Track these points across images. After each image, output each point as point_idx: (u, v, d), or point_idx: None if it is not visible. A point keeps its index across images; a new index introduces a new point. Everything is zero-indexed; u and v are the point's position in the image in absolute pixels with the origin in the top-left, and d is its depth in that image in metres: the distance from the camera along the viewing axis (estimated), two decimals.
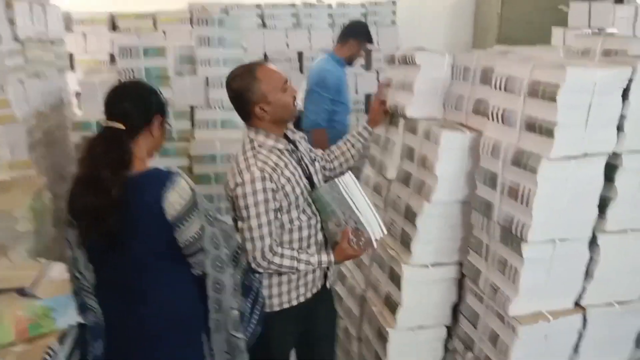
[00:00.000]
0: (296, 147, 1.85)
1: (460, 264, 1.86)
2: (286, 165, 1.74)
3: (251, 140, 1.75)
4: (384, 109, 2.09)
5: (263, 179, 1.66)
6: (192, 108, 3.36)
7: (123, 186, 1.45)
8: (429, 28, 6.13)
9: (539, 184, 1.46)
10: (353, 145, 2.08)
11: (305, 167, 1.83)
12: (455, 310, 1.90)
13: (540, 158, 1.45)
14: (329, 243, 1.85)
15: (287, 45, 5.25)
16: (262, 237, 1.67)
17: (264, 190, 1.66)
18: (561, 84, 1.40)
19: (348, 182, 1.74)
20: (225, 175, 1.81)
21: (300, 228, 1.77)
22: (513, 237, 1.56)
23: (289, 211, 1.74)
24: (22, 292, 1.82)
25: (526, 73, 1.52)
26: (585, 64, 1.51)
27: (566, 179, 1.48)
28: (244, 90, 1.73)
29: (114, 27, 4.98)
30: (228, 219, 1.78)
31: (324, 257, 1.77)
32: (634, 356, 1.70)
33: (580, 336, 1.62)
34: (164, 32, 4.98)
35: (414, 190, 1.89)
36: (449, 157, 1.75)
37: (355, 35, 3.43)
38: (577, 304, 1.62)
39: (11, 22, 3.12)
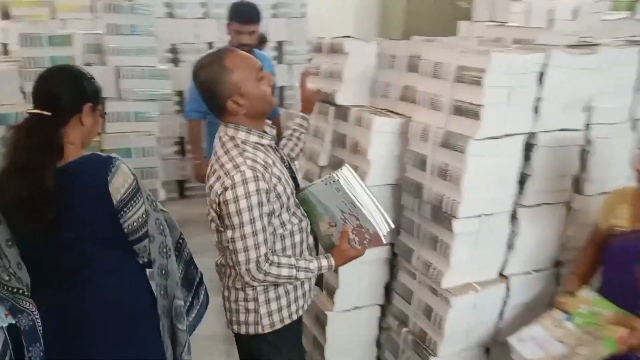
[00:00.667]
0: (277, 143, 1.65)
1: (392, 245, 1.94)
2: (274, 163, 1.53)
3: (232, 138, 1.52)
4: (313, 92, 1.94)
5: (255, 178, 1.44)
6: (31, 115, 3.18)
7: (57, 173, 1.37)
8: (337, 20, 6.26)
9: (467, 162, 1.56)
10: (299, 138, 1.90)
11: (289, 165, 1.64)
12: (388, 290, 1.99)
13: (468, 139, 1.56)
14: (321, 246, 1.69)
15: (197, 35, 5.13)
16: (257, 246, 1.45)
17: (258, 191, 1.44)
18: (487, 69, 1.51)
19: (347, 176, 1.54)
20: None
21: (292, 233, 1.56)
22: (443, 215, 1.65)
23: (280, 214, 1.52)
24: None
25: (453, 59, 1.62)
26: (505, 50, 1.63)
27: (491, 157, 1.60)
28: (214, 82, 1.50)
29: (6, 15, 4.61)
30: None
31: (324, 262, 1.56)
32: None
33: (504, 303, 1.75)
34: (63, 21, 4.73)
35: None
36: (381, 142, 1.82)
37: (228, 17, 3.16)
38: (500, 274, 1.76)
39: None
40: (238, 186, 1.43)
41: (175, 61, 5.02)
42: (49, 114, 1.42)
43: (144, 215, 1.46)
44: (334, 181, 1.52)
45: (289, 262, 1.51)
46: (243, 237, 1.44)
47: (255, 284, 1.51)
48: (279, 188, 1.50)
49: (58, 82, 1.46)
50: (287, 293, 1.59)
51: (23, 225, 1.39)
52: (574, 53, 1.65)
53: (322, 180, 1.58)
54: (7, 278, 1.42)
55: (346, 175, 1.53)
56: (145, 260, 1.51)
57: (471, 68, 1.55)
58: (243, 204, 1.43)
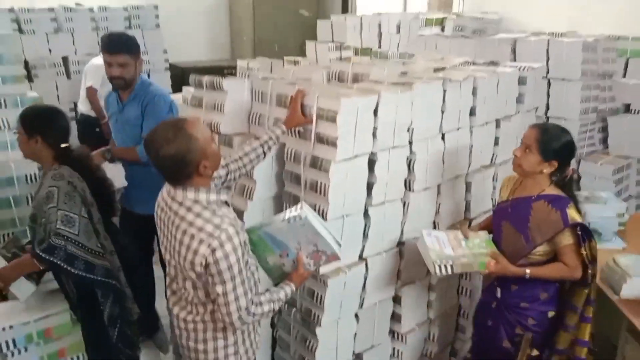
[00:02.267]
0: None
1: None
2: (235, 216, 1.71)
3: (195, 201, 1.65)
4: (304, 117, 2.14)
5: (237, 233, 1.61)
6: None
7: None
8: (190, 30, 6.55)
9: (331, 179, 2.10)
10: (266, 142, 2.08)
11: None
12: None
13: (330, 162, 2.09)
14: (270, 277, 1.94)
15: (50, 50, 5.10)
16: (245, 293, 1.64)
17: (240, 244, 1.62)
18: (339, 110, 2.05)
19: (308, 213, 1.82)
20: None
21: (252, 272, 1.77)
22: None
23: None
24: None
25: (314, 101, 2.14)
26: (349, 93, 2.19)
27: (346, 174, 2.15)
28: (185, 153, 1.60)
29: None
30: None
31: (288, 289, 1.82)
32: (397, 286, 2.51)
33: (365, 278, 2.35)
34: None
35: (237, 193, 2.38)
36: (262, 164, 2.29)
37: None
38: (360, 257, 2.35)
39: None
40: (225, 244, 1.58)
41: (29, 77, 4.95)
42: None
43: None
44: (300, 218, 1.78)
45: (267, 299, 1.73)
46: (234, 288, 1.61)
47: (244, 327, 1.74)
48: (245, 236, 1.70)
49: None
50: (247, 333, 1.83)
51: None
52: (396, 91, 2.26)
53: (282, 220, 1.81)
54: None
55: (307, 212, 1.81)
56: None
57: (328, 109, 2.09)
58: (232, 258, 1.59)
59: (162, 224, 1.76)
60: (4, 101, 3.29)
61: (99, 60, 4.58)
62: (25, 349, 2.09)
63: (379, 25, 5.12)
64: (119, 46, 2.77)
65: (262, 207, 2.34)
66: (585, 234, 2.10)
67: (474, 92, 2.63)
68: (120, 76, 2.76)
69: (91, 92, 4.57)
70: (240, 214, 2.32)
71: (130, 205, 3.05)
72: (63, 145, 2.30)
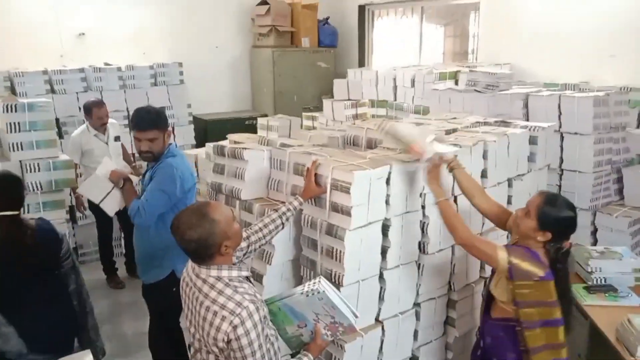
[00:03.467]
0: None
1: None
2: (255, 291, 1.80)
3: (218, 278, 1.76)
4: (319, 188, 2.26)
5: (257, 309, 1.71)
6: None
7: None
8: (213, 84, 6.82)
9: (346, 247, 2.19)
10: (284, 214, 2.23)
11: None
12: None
13: (345, 230, 2.19)
14: (288, 346, 2.03)
15: (79, 108, 5.34)
16: None
17: (260, 320, 1.71)
18: (352, 182, 2.16)
19: (326, 287, 1.91)
20: None
21: (272, 343, 1.83)
22: (333, 284, 2.27)
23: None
24: None
25: (329, 172, 2.26)
26: (362, 163, 2.30)
27: (360, 240, 2.25)
28: (207, 236, 1.72)
29: None
30: None
31: (306, 358, 1.91)
32: (414, 347, 2.56)
33: (381, 341, 2.41)
34: None
35: (257, 257, 2.49)
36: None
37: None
38: (376, 320, 2.41)
39: None
40: (246, 321, 1.67)
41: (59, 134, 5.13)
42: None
43: None
44: (318, 293, 1.88)
45: None
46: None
47: None
48: (266, 309, 1.81)
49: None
50: None
51: None
52: (406, 162, 2.36)
53: (301, 294, 1.91)
54: None
55: (325, 286, 1.90)
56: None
57: (342, 180, 2.20)
58: (253, 335, 1.69)
59: (187, 298, 1.87)
60: (37, 165, 3.50)
61: (75, 131, 4.59)
62: None
63: (394, 79, 5.29)
64: (149, 123, 2.78)
65: (280, 271, 2.44)
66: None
67: (485, 156, 2.73)
68: (148, 150, 2.79)
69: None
70: (259, 277, 2.42)
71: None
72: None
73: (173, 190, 2.77)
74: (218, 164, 2.78)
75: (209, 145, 4.15)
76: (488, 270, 2.83)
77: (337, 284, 2.23)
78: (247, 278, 1.86)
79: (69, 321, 2.48)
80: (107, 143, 4.56)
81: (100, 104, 4.54)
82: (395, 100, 5.24)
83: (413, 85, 5.04)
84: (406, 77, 5.09)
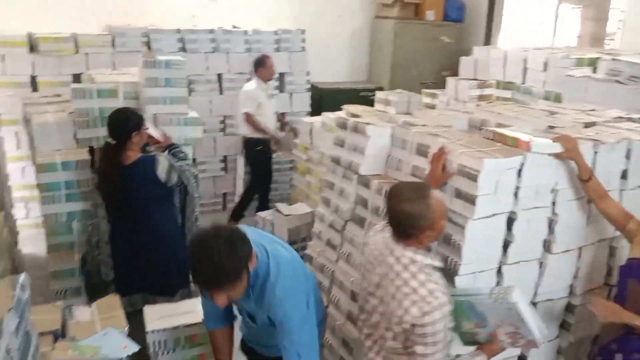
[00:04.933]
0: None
1: None
2: (446, 283, 1.83)
3: (413, 261, 1.79)
4: (446, 174, 2.18)
5: (447, 301, 1.75)
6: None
7: (124, 169, 2.96)
8: (332, 53, 6.83)
9: (466, 236, 2.12)
10: None
11: None
12: None
13: (467, 219, 2.11)
14: (460, 340, 2.00)
15: (207, 68, 5.60)
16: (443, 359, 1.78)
17: (448, 313, 1.76)
18: (481, 170, 2.07)
19: (520, 299, 1.85)
20: None
21: (448, 334, 1.85)
22: (448, 272, 2.21)
23: None
24: (56, 334, 2.16)
25: (456, 157, 2.18)
26: (493, 152, 2.19)
27: (482, 231, 2.16)
28: (418, 216, 1.77)
29: (33, 49, 5.00)
30: None
31: (479, 358, 1.91)
32: None
33: None
34: (86, 55, 5.15)
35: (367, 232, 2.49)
36: None
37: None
38: None
39: None
40: (436, 311, 1.71)
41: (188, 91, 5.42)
42: (115, 142, 2.99)
43: (179, 180, 3.05)
44: (508, 303, 1.82)
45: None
46: (434, 353, 1.75)
47: None
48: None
49: (114, 124, 3.00)
50: None
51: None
52: (542, 153, 2.21)
53: (489, 297, 1.87)
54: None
55: (518, 298, 1.83)
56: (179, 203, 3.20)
57: (469, 167, 2.11)
58: (439, 326, 1.72)
59: (371, 266, 1.92)
60: (170, 120, 3.72)
61: (250, 86, 5.08)
62: (173, 350, 2.35)
63: (524, 61, 4.95)
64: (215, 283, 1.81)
65: None
66: None
67: (628, 155, 2.49)
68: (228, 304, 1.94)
69: (249, 117, 5.04)
70: None
71: None
72: None
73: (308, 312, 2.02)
74: (339, 136, 2.79)
75: (326, 115, 4.19)
76: (615, 277, 2.63)
77: (452, 272, 2.17)
78: (438, 269, 1.87)
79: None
80: (269, 98, 5.20)
81: (270, 58, 5.18)
82: (524, 83, 4.92)
83: (545, 69, 4.69)
84: (538, 59, 4.74)
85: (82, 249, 3.39)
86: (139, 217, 3.07)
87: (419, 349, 1.74)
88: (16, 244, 4.08)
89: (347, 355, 2.54)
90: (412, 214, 1.77)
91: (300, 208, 4.05)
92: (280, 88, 5.95)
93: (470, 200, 2.11)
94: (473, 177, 2.09)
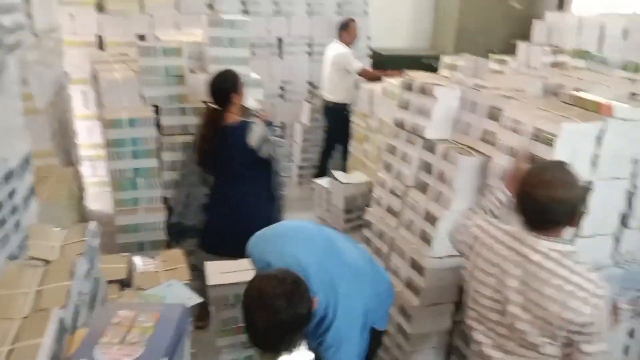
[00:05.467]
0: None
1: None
2: None
3: (562, 254, 1.59)
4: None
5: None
6: (205, 103, 3.69)
7: (223, 129, 3.02)
8: (394, 18, 6.63)
9: None
10: None
11: None
12: (461, 291, 2.47)
13: None
14: None
15: (268, 31, 5.57)
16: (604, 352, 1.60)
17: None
18: (558, 134, 1.95)
19: None
20: None
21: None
22: None
23: None
24: (122, 283, 2.23)
25: (531, 121, 2.06)
26: (570, 116, 2.06)
27: None
28: (576, 203, 1.59)
29: (100, 8, 5.10)
30: None
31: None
32: None
33: None
34: (151, 16, 5.21)
35: (431, 198, 2.42)
36: (464, 175, 2.29)
37: None
38: None
39: (29, 16, 3.30)
40: (601, 300, 1.54)
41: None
42: (218, 107, 3.05)
43: (270, 151, 3.02)
44: None
45: None
46: (603, 343, 1.58)
47: None
48: None
49: (217, 88, 3.04)
50: None
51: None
52: (626, 119, 2.06)
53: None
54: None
55: None
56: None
57: (545, 131, 2.00)
58: (604, 313, 1.56)
59: (498, 269, 1.69)
60: None
61: (340, 48, 5.08)
62: (233, 306, 2.40)
63: (601, 28, 4.65)
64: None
65: (454, 219, 2.34)
66: None
67: None
68: None
69: (365, 71, 5.04)
70: (432, 219, 2.36)
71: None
72: None
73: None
74: (404, 98, 2.70)
75: (387, 80, 4.08)
76: None
77: None
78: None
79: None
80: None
81: (355, 21, 5.14)
82: (600, 52, 4.63)
83: (625, 37, 4.39)
84: (618, 26, 4.44)
85: (168, 204, 3.48)
86: (232, 182, 3.11)
87: (587, 348, 1.55)
88: (83, 200, 4.24)
89: (405, 323, 2.51)
90: (566, 200, 1.56)
91: (358, 176, 4.01)
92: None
93: None
94: (549, 142, 1.98)
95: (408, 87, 2.68)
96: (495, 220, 1.83)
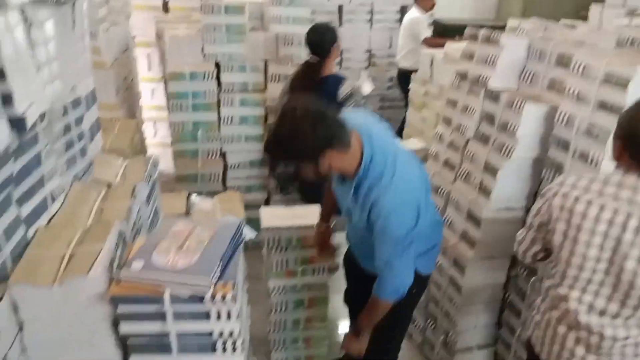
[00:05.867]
0: None
1: (527, 210, 2.34)
2: None
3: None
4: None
5: None
6: (265, 62, 3.72)
7: (320, 80, 3.13)
8: None
9: (607, 152, 1.91)
10: None
11: None
12: None
13: (610, 131, 1.90)
14: None
15: None
16: None
17: None
18: (632, 77, 1.84)
19: None
20: None
21: None
22: None
23: None
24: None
25: (602, 64, 1.95)
26: None
27: None
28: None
29: None
30: None
31: None
32: None
33: None
34: None
35: (493, 149, 2.34)
36: (529, 124, 2.20)
37: None
38: None
39: None
40: None
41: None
42: (318, 58, 3.14)
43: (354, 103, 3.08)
44: None
45: None
46: None
47: None
48: None
49: (317, 41, 3.11)
50: None
51: None
52: None
53: None
54: None
55: None
56: None
57: (618, 75, 1.88)
58: None
59: (606, 214, 1.50)
60: (291, 40, 3.73)
61: (415, 14, 5.14)
62: (285, 249, 2.43)
63: None
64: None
65: (518, 168, 2.26)
66: None
67: None
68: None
69: (430, 40, 5.01)
70: (493, 170, 2.29)
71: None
72: None
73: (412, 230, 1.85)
74: (468, 49, 2.62)
75: (449, 45, 3.97)
76: None
77: None
78: None
79: None
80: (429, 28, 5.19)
81: None
82: None
83: None
84: None
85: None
86: None
87: None
88: (145, 150, 4.38)
89: (459, 276, 2.46)
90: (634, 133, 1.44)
91: (415, 143, 3.93)
92: (402, 22, 5.73)
93: (617, 109, 1.89)
94: (622, 84, 1.87)
95: (473, 37, 2.59)
96: (585, 176, 1.61)
